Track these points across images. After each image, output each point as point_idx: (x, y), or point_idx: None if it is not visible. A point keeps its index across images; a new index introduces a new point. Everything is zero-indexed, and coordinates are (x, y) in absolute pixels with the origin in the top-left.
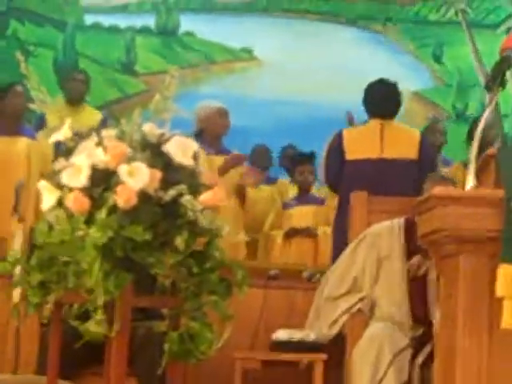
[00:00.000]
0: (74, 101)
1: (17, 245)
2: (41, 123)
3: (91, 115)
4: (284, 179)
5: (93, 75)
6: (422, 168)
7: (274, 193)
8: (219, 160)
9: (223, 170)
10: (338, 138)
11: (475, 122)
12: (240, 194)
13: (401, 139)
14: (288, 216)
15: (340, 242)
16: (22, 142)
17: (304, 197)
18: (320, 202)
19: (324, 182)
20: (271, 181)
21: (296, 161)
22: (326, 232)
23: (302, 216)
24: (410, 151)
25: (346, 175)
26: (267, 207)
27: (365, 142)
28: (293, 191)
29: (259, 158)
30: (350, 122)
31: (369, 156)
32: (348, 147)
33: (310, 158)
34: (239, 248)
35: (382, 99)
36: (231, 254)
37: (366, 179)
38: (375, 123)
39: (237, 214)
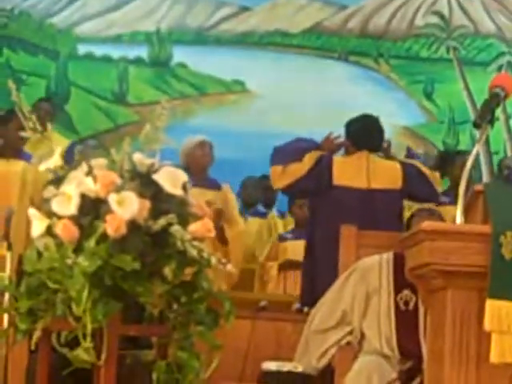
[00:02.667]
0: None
1: (6, 271)
2: None
3: (59, 142)
4: (274, 213)
5: (85, 105)
6: (411, 196)
7: (263, 227)
8: (195, 192)
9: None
10: (328, 160)
11: (446, 158)
12: (220, 235)
13: (385, 171)
14: (283, 249)
15: (324, 271)
16: (19, 166)
17: (301, 230)
18: None
19: (285, 187)
20: (261, 215)
21: (293, 194)
22: None
23: (297, 250)
24: (394, 182)
25: (332, 202)
26: (256, 240)
27: (352, 172)
28: (283, 225)
29: (249, 191)
30: (328, 142)
31: (356, 185)
32: (336, 172)
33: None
34: (234, 279)
35: (368, 133)
36: (225, 284)
37: (353, 209)
38: (361, 155)
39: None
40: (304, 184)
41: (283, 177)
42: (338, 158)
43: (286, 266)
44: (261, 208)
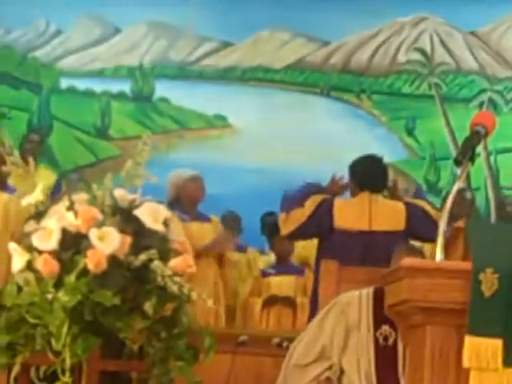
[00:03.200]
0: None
1: None
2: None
3: (46, 176)
4: (253, 248)
5: (67, 138)
6: (415, 237)
7: (243, 262)
8: (195, 226)
9: (206, 249)
10: (329, 202)
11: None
12: (219, 259)
13: (388, 212)
14: (266, 284)
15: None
16: (2, 198)
17: (283, 265)
18: (299, 271)
19: (290, 233)
20: (241, 249)
21: (275, 229)
22: (303, 302)
23: (280, 285)
24: (397, 223)
25: (333, 245)
26: (236, 275)
27: (354, 214)
28: (264, 260)
29: (229, 225)
30: (334, 184)
31: (358, 228)
32: (337, 215)
33: None
34: (217, 315)
35: (370, 173)
36: (207, 320)
37: (354, 251)
38: (364, 196)
39: (216, 282)
40: (305, 230)
41: (287, 224)
42: (339, 201)
43: (270, 301)
44: (240, 243)
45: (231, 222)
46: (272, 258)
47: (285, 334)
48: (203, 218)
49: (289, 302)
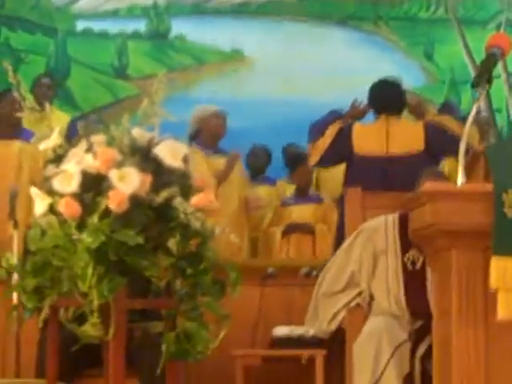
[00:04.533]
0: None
1: (14, 250)
2: None
3: (59, 119)
4: (282, 180)
5: (85, 80)
6: (434, 155)
7: (272, 194)
8: (217, 160)
9: (225, 174)
10: (348, 129)
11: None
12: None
13: (406, 134)
14: (287, 213)
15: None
16: (15, 146)
17: (303, 196)
18: (318, 200)
19: (316, 162)
20: (270, 182)
21: (296, 160)
22: (323, 230)
23: (300, 214)
24: (416, 145)
25: (355, 171)
26: (266, 208)
27: (373, 138)
28: (290, 190)
29: (256, 159)
30: (354, 108)
31: (377, 152)
32: (356, 140)
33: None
34: (241, 248)
35: (388, 97)
36: (232, 253)
37: (375, 176)
38: (382, 120)
39: (239, 216)
40: (328, 158)
41: (312, 154)
42: (358, 126)
43: (290, 229)
44: (269, 175)
45: (257, 156)
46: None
47: (312, 263)
48: (223, 153)
49: (308, 229)
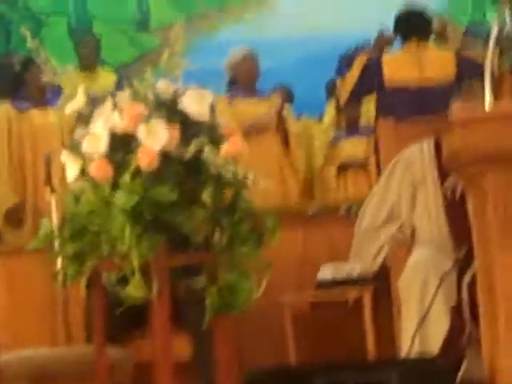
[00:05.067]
0: (87, 67)
1: (53, 216)
2: (58, 93)
3: (106, 78)
4: (308, 116)
5: (107, 35)
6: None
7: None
8: (247, 104)
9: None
10: (377, 61)
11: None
12: (282, 130)
13: (437, 60)
14: (339, 150)
15: None
16: (53, 113)
17: (353, 129)
18: (369, 132)
19: (346, 99)
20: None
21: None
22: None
23: (352, 148)
24: (448, 72)
25: (387, 101)
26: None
27: (404, 65)
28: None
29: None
30: (381, 39)
31: (409, 79)
32: (387, 71)
33: None
34: (287, 190)
35: (415, 22)
36: (282, 197)
37: (408, 106)
38: (411, 45)
39: (280, 160)
40: (358, 92)
41: (341, 91)
42: (386, 57)
43: (344, 167)
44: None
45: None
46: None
47: (351, 201)
48: (261, 96)
49: (361, 164)
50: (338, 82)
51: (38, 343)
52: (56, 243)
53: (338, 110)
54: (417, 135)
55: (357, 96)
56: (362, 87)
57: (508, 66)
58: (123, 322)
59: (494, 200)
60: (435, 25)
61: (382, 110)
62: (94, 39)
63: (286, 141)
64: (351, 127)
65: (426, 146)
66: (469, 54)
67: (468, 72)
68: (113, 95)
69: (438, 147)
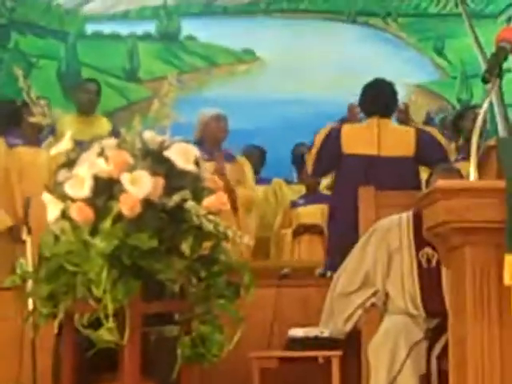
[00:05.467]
0: (86, 112)
1: (28, 256)
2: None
3: (103, 125)
4: (278, 178)
5: None
6: (423, 162)
7: (269, 193)
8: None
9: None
10: (336, 131)
11: (459, 113)
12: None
13: (397, 137)
14: (296, 215)
15: (339, 236)
16: (44, 153)
17: (312, 195)
18: (328, 200)
19: (311, 172)
20: (265, 181)
21: (303, 160)
22: None
23: (310, 214)
24: (407, 149)
25: (343, 170)
26: (266, 208)
27: (362, 139)
28: (293, 191)
29: (249, 160)
30: (352, 113)
31: (366, 152)
32: (345, 141)
33: None
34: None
35: (378, 98)
36: (243, 255)
37: (363, 176)
38: (373, 121)
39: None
40: (320, 165)
41: (307, 164)
42: (347, 127)
43: (300, 231)
44: (264, 175)
45: (254, 156)
46: (302, 189)
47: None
48: (229, 158)
49: (318, 229)
50: (307, 154)
51: None
52: (29, 283)
53: (301, 178)
54: (396, 205)
55: (319, 170)
56: (322, 160)
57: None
58: (93, 365)
59: (472, 273)
60: (400, 106)
61: (339, 178)
62: (96, 85)
63: (234, 203)
64: (310, 194)
65: (405, 216)
66: (430, 132)
67: (429, 152)
68: (100, 141)
69: (416, 218)
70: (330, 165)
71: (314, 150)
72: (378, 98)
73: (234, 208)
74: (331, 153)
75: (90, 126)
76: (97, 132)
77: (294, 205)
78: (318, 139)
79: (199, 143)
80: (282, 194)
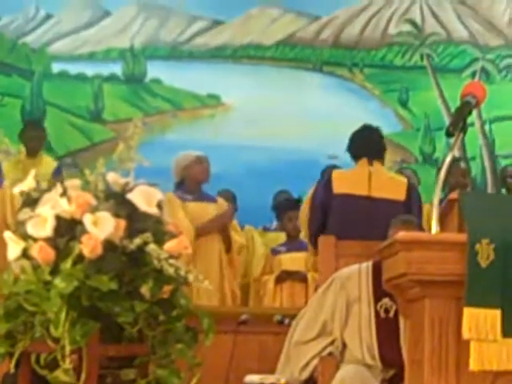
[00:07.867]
0: (31, 155)
1: None
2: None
3: (48, 165)
4: (250, 226)
5: (60, 123)
6: (411, 211)
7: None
8: (198, 206)
9: (211, 228)
10: (326, 177)
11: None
12: (224, 238)
13: (388, 183)
14: (278, 262)
15: None
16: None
17: (293, 243)
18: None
19: (307, 231)
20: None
21: (285, 207)
22: (315, 278)
23: (291, 262)
24: (398, 194)
25: (336, 210)
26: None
27: (354, 181)
28: (275, 238)
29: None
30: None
31: (357, 193)
32: (336, 183)
33: (298, 203)
34: (223, 294)
35: (368, 142)
36: (222, 301)
37: (356, 215)
38: (363, 164)
39: (221, 260)
40: (315, 222)
41: (302, 228)
42: (337, 172)
43: (282, 277)
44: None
45: (229, 200)
46: (282, 236)
47: (286, 311)
48: (208, 199)
49: (300, 277)
50: (300, 213)
51: None
52: None
53: (281, 223)
54: (356, 255)
55: (316, 228)
56: (316, 215)
57: (456, 195)
58: None
59: (430, 325)
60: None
61: (330, 218)
62: (42, 132)
63: (228, 245)
64: (291, 241)
65: (365, 266)
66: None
67: (416, 204)
68: (62, 182)
69: (375, 269)
70: (323, 212)
71: (305, 207)
72: (368, 141)
73: (228, 249)
74: (323, 202)
75: (37, 165)
76: (42, 171)
77: (275, 252)
78: (308, 199)
79: (179, 185)
80: (253, 242)
